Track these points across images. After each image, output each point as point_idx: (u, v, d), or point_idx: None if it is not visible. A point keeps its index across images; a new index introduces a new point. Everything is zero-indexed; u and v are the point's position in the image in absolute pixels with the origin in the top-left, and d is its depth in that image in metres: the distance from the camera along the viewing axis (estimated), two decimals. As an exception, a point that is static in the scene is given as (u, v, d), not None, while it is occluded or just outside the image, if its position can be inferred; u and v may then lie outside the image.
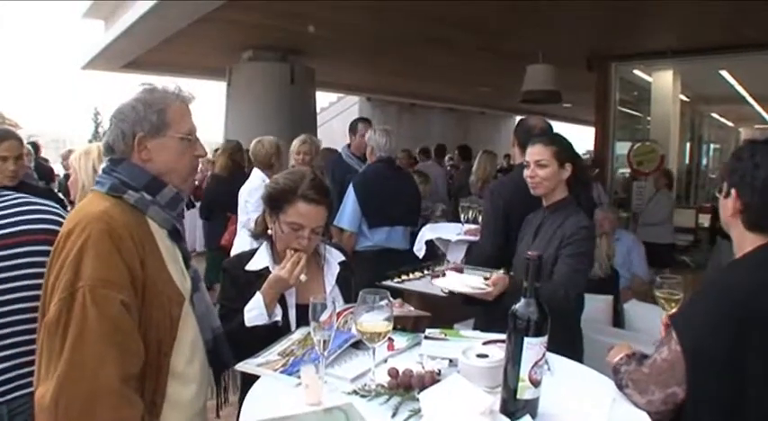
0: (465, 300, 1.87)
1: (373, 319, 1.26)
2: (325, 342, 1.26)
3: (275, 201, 1.66)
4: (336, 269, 1.75)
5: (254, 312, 1.52)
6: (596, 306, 2.87)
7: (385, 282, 1.89)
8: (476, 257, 2.40)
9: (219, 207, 4.24)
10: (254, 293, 1.56)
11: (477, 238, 2.67)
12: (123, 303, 1.13)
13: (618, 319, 3.13)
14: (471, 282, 1.80)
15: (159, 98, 1.25)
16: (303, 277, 1.54)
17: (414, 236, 3.60)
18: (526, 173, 2.01)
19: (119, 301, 1.12)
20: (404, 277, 1.94)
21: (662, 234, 5.81)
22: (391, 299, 1.31)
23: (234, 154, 4.44)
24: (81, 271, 1.11)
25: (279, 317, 1.56)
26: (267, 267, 1.66)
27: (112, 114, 1.26)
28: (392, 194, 3.45)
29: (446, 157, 9.35)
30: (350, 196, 3.41)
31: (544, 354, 1.14)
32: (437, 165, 8.08)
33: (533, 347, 1.12)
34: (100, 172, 1.27)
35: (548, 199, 2.02)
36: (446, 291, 1.86)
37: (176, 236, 1.33)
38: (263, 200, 1.72)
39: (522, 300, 1.15)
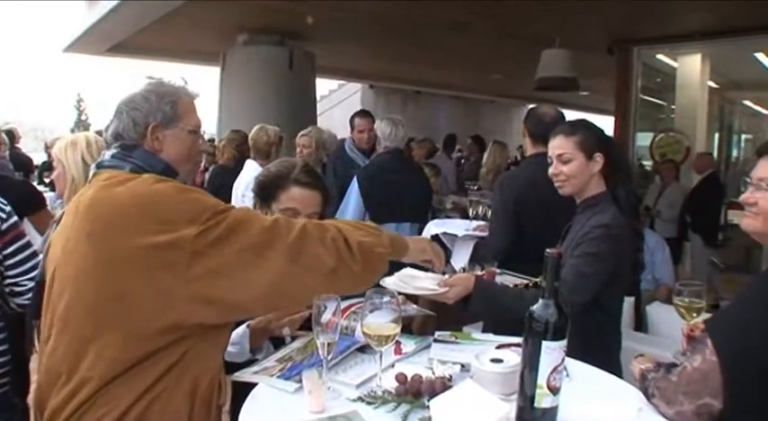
0: (464, 305, 1.77)
1: (380, 321, 1.26)
2: (329, 345, 1.25)
3: (267, 190, 1.68)
4: None
5: (235, 348, 1.49)
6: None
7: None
8: (484, 255, 2.38)
9: (223, 198, 4.24)
10: None
11: (486, 234, 2.66)
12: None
13: (640, 323, 3.12)
14: (421, 283, 1.63)
15: (170, 90, 1.35)
16: (287, 331, 1.52)
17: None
18: (550, 170, 1.87)
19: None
20: None
21: (673, 229, 5.85)
22: (397, 295, 1.31)
23: (241, 145, 4.44)
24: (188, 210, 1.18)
25: (262, 354, 1.52)
26: None
27: (122, 104, 1.33)
28: (399, 188, 3.43)
29: (455, 149, 9.33)
30: (353, 190, 3.40)
31: (563, 359, 1.14)
32: (446, 158, 8.07)
33: (552, 352, 1.12)
34: (107, 156, 1.31)
35: (579, 196, 1.86)
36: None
37: None
38: (253, 192, 1.73)
39: (541, 301, 1.15)
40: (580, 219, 1.84)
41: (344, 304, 1.52)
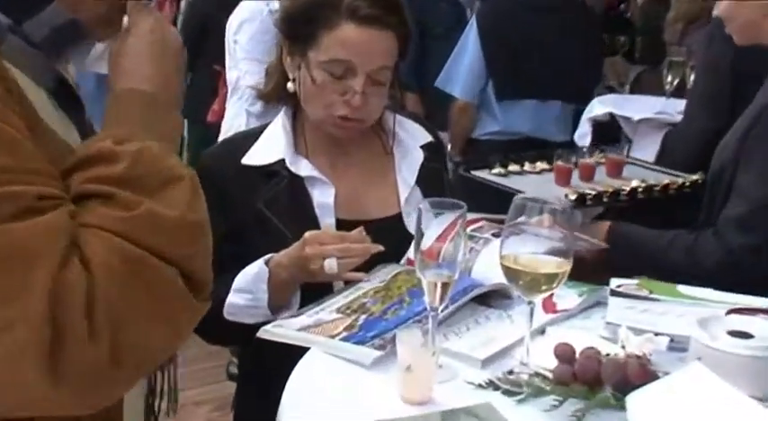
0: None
1: (536, 249, 0.89)
2: (444, 286, 0.87)
3: (298, 28, 1.19)
4: (419, 157, 1.28)
5: (244, 299, 1.09)
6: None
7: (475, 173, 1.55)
8: (670, 150, 1.87)
9: (209, 40, 3.21)
10: (259, 216, 1.15)
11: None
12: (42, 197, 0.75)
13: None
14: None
15: None
16: (333, 265, 1.04)
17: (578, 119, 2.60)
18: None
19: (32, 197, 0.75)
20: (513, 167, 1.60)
21: None
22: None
23: None
24: None
25: (288, 312, 1.08)
26: (282, 160, 1.19)
27: None
28: (545, 43, 2.53)
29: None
30: (469, 39, 2.59)
31: None
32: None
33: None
34: None
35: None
36: None
37: (65, 99, 0.94)
38: (277, 28, 1.26)
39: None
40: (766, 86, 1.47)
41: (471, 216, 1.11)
